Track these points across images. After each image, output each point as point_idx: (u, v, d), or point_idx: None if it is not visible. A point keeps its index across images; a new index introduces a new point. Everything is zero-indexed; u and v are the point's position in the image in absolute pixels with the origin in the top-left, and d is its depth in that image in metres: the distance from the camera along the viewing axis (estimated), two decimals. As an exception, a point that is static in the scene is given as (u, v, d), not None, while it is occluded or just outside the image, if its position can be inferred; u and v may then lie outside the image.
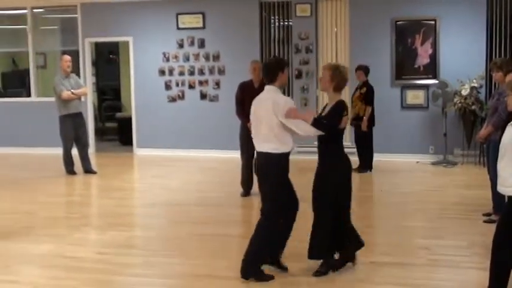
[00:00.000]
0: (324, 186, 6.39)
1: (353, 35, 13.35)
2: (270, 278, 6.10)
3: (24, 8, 15.32)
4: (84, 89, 12.52)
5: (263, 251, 6.21)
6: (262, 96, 6.26)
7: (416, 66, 13.05)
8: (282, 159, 6.16)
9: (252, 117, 6.31)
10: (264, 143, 6.12)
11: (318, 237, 6.30)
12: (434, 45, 12.91)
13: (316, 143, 6.51)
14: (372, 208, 9.47)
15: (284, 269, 6.32)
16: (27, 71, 15.79)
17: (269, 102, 6.06)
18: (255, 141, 6.27)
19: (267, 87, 6.25)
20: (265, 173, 6.24)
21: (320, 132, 6.17)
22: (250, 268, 6.07)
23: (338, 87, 6.41)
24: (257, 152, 6.27)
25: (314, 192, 6.47)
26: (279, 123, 6.00)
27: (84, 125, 12.25)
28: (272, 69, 6.23)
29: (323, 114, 6.41)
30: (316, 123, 6.09)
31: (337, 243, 6.33)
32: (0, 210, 8.73)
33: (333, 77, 6.36)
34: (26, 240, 7.53)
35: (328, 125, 6.19)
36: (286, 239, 6.41)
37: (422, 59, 13.00)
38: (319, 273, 6.16)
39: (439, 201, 9.42)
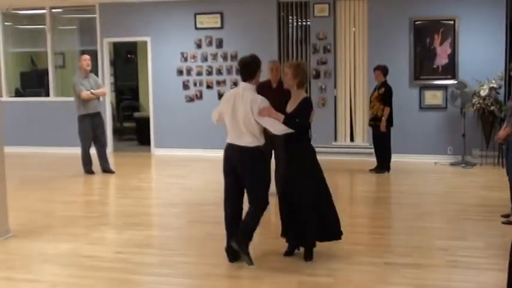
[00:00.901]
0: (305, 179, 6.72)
1: (371, 34, 13.31)
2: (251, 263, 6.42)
3: (43, 8, 15.40)
4: (104, 89, 12.57)
5: (251, 235, 6.56)
6: (239, 92, 6.53)
7: (434, 66, 13.00)
8: (260, 152, 6.51)
9: (227, 110, 6.56)
10: (241, 137, 6.46)
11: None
12: (453, 46, 12.84)
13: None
14: (390, 209, 9.43)
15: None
16: (45, 71, 15.87)
17: (247, 100, 6.40)
18: (231, 135, 6.57)
19: (244, 85, 6.55)
20: (245, 165, 6.51)
21: (290, 131, 6.47)
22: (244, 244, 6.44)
23: (301, 84, 6.70)
24: (232, 145, 6.56)
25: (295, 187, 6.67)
26: (255, 121, 6.39)
27: (102, 125, 12.30)
28: (252, 67, 6.56)
29: (288, 110, 6.61)
30: (289, 122, 6.42)
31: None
32: (19, 209, 8.75)
33: (296, 74, 6.63)
34: (44, 240, 7.56)
35: (300, 124, 6.51)
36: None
37: (441, 59, 12.95)
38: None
39: (458, 202, 9.37)
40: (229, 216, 6.68)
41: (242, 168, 6.52)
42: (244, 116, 6.41)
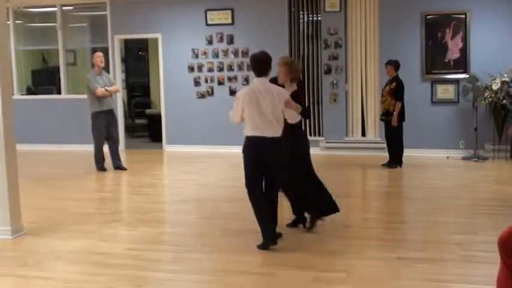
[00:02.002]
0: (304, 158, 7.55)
1: (382, 29, 13.28)
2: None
3: (54, 6, 15.45)
4: (117, 86, 12.63)
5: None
6: (259, 87, 6.84)
7: (446, 60, 12.95)
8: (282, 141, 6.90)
9: (249, 106, 6.81)
10: (270, 129, 6.78)
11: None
12: (465, 39, 12.80)
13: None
14: (402, 204, 9.41)
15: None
16: (57, 69, 15.92)
17: (273, 92, 6.80)
18: (257, 129, 6.82)
19: (262, 79, 6.88)
20: (278, 155, 6.88)
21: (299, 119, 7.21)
22: None
23: (294, 79, 7.41)
24: (262, 138, 6.80)
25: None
26: (281, 111, 6.82)
27: (115, 122, 12.33)
28: (268, 63, 6.92)
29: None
30: (305, 111, 7.26)
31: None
32: (31, 207, 8.77)
33: (290, 71, 7.33)
34: (57, 237, 7.57)
35: (309, 111, 7.63)
36: None
37: (453, 54, 12.90)
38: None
39: (471, 197, 9.34)
40: (266, 205, 6.96)
41: (275, 158, 6.87)
42: (273, 107, 6.75)
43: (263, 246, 6.82)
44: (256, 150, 6.86)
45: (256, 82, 6.89)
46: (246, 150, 6.94)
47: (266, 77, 6.91)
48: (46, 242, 7.37)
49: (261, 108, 6.75)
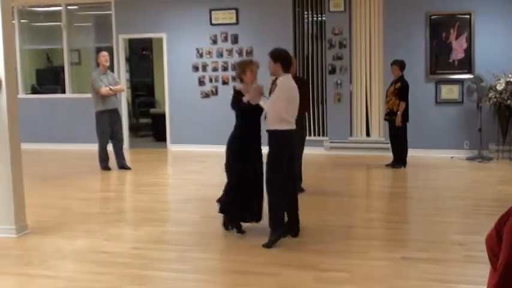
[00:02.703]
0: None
1: (387, 29, 13.28)
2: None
3: (59, 5, 15.48)
4: (121, 86, 12.69)
5: None
6: (293, 83, 7.22)
7: (450, 60, 12.95)
8: None
9: (290, 101, 7.12)
10: (294, 122, 7.16)
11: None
12: (469, 40, 12.79)
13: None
14: (406, 204, 9.40)
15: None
16: (61, 68, 15.95)
17: (296, 88, 7.21)
18: (291, 122, 7.10)
19: (289, 76, 7.23)
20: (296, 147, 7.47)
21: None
22: None
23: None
24: (292, 131, 7.13)
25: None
26: None
27: (120, 121, 12.35)
28: (290, 59, 7.38)
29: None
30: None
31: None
32: (36, 206, 8.79)
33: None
34: (61, 236, 7.59)
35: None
36: None
37: (457, 54, 12.90)
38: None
39: (474, 197, 9.34)
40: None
41: (298, 150, 7.60)
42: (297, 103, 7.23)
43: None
44: (289, 143, 7.13)
45: (288, 78, 7.18)
46: (281, 144, 7.08)
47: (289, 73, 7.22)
48: (50, 240, 7.39)
49: (295, 102, 7.16)
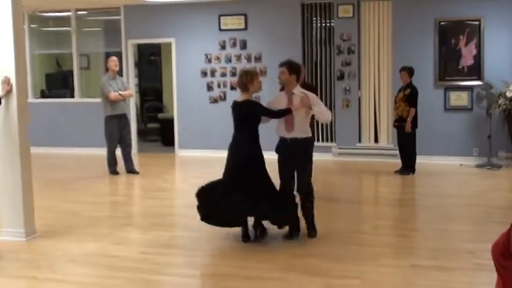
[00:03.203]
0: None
1: (395, 35, 13.26)
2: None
3: (68, 10, 15.51)
4: (130, 91, 12.72)
5: None
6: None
7: (460, 67, 12.91)
8: None
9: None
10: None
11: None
12: (479, 46, 12.76)
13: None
14: (415, 211, 9.38)
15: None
16: (70, 72, 15.98)
17: None
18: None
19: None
20: None
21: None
22: None
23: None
24: None
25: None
26: None
27: (128, 126, 12.37)
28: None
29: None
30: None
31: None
32: (45, 210, 8.80)
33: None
34: (70, 240, 7.61)
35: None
36: None
37: (466, 60, 12.87)
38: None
39: (484, 205, 9.31)
40: None
41: None
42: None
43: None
44: None
45: (299, 88, 7.65)
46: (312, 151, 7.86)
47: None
48: (59, 244, 7.40)
49: None
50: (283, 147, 7.56)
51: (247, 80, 7.50)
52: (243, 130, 7.57)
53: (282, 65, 7.71)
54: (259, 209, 7.27)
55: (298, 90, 7.60)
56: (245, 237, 7.44)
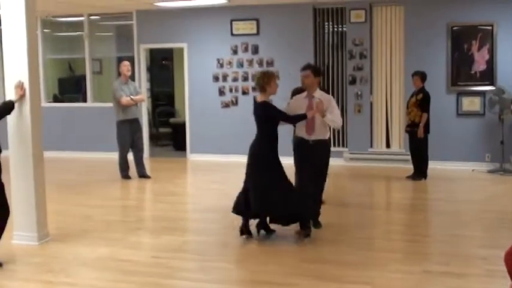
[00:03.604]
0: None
1: (408, 40, 13.24)
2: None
3: (81, 15, 15.55)
4: (142, 96, 12.75)
5: None
6: None
7: (472, 72, 12.87)
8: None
9: None
10: None
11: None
12: (491, 51, 12.72)
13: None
14: (427, 217, 9.35)
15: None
16: (83, 77, 16.02)
17: None
18: None
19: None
20: None
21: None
22: None
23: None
24: None
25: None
26: None
27: (140, 131, 12.40)
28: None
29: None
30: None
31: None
32: (57, 214, 8.84)
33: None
34: (82, 243, 7.64)
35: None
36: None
37: (479, 65, 12.83)
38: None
39: (496, 210, 9.28)
40: None
41: None
42: None
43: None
44: None
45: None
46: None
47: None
48: (71, 248, 7.43)
49: None
50: (304, 147, 7.68)
51: (265, 81, 7.59)
52: (261, 129, 7.72)
53: (305, 68, 7.85)
54: (271, 208, 7.38)
55: (318, 94, 7.70)
56: (247, 231, 7.70)
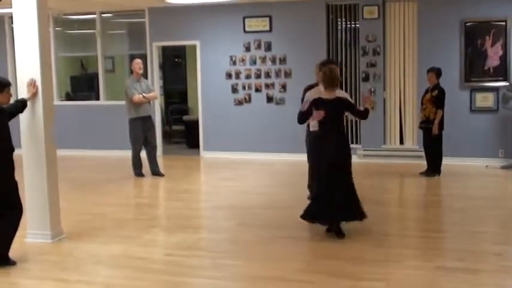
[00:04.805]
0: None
1: (421, 36, 13.18)
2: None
3: (93, 13, 15.57)
4: (155, 93, 12.74)
5: None
6: None
7: (486, 68, 12.80)
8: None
9: None
10: None
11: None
12: (505, 47, 12.64)
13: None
14: (441, 213, 9.32)
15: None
16: (95, 75, 16.05)
17: None
18: None
19: None
20: None
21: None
22: None
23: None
24: None
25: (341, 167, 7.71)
26: None
27: (153, 128, 12.41)
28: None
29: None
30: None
31: None
32: (71, 212, 8.86)
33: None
34: (96, 241, 7.65)
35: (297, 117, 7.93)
36: None
37: (492, 61, 12.75)
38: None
39: (510, 207, 9.24)
40: None
41: None
42: None
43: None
44: None
45: None
46: None
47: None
48: (85, 246, 7.45)
49: None
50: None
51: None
52: (342, 125, 7.96)
53: (331, 62, 7.91)
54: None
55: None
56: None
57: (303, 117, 7.71)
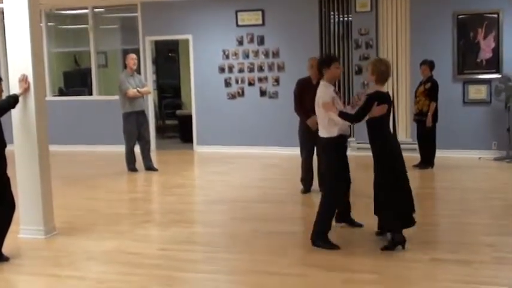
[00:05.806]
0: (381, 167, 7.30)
1: (414, 29, 13.18)
2: (336, 247, 6.82)
3: (86, 8, 15.54)
4: (148, 88, 12.75)
5: (325, 222, 7.00)
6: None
7: (478, 60, 12.82)
8: (329, 143, 7.10)
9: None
10: (320, 129, 7.13)
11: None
12: (497, 39, 12.66)
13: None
14: (434, 205, 9.33)
15: (357, 225, 7.70)
16: (88, 70, 16.02)
17: (317, 96, 7.09)
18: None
19: (321, 81, 7.20)
20: (321, 154, 7.79)
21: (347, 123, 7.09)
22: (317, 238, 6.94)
23: (378, 80, 6.95)
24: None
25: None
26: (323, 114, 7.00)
27: (146, 123, 12.39)
28: (319, 66, 7.28)
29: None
30: (342, 116, 6.89)
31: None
32: (64, 207, 8.84)
33: (373, 70, 6.94)
34: (89, 237, 7.64)
35: (353, 117, 6.97)
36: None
37: (485, 53, 12.77)
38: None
39: (503, 198, 9.25)
40: None
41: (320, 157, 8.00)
42: (317, 109, 7.10)
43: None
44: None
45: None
46: None
47: (323, 78, 7.16)
48: (79, 242, 7.43)
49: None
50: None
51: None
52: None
53: (337, 60, 7.40)
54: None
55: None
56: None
57: (365, 114, 6.86)
